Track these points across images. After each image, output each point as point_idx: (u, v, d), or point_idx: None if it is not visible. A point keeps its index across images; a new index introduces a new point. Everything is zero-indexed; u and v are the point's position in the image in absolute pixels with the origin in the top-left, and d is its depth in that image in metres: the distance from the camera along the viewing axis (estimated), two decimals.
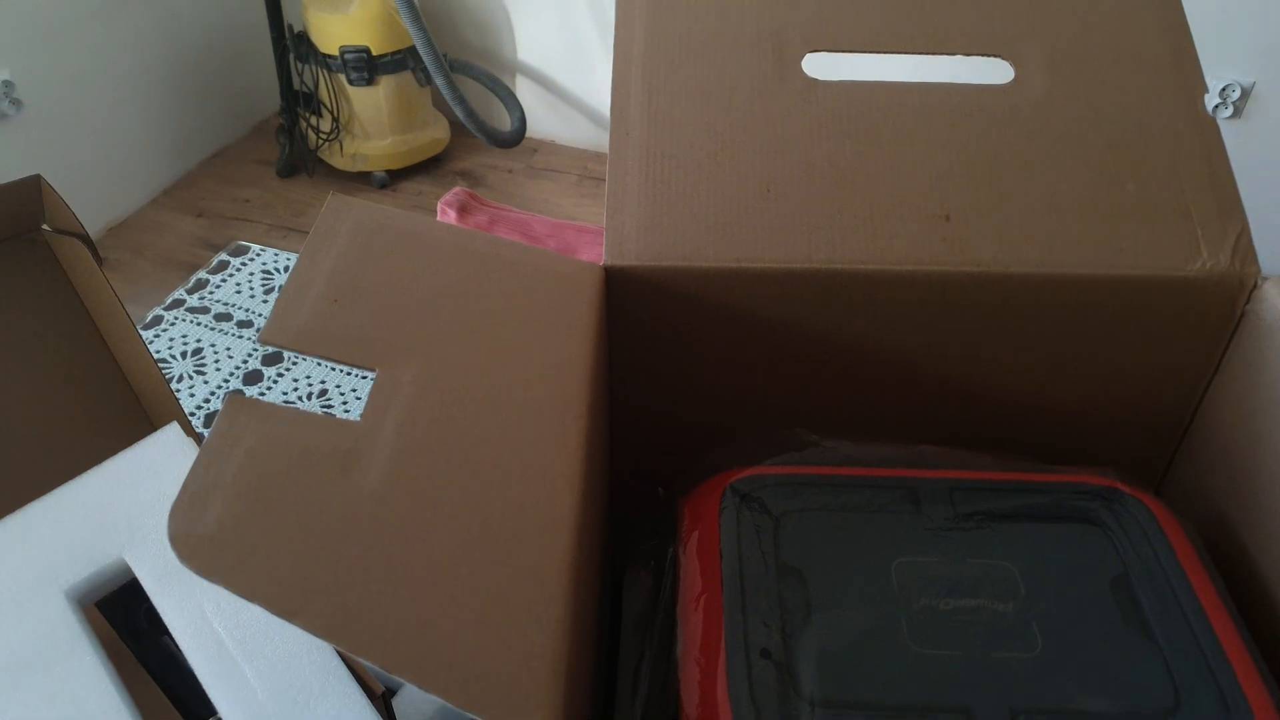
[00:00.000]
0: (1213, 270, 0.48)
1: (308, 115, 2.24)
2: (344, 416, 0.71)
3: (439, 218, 0.92)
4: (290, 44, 2.13)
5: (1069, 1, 0.56)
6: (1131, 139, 0.51)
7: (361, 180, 2.31)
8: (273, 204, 2.27)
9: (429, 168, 2.36)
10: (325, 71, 2.14)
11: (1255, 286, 0.48)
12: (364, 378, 0.35)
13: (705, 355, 0.52)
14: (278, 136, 2.33)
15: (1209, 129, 0.52)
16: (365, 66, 2.11)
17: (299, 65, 2.15)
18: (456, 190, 0.93)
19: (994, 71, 0.54)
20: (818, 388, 0.53)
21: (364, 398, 0.35)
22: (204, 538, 0.28)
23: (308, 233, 0.46)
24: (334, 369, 0.83)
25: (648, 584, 0.48)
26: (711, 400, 0.54)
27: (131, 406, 0.55)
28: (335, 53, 2.10)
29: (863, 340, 0.50)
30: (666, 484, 0.51)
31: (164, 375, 0.54)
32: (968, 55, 0.54)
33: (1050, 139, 0.51)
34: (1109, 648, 0.42)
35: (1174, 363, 0.51)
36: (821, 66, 0.54)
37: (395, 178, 2.33)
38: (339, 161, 2.28)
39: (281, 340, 0.37)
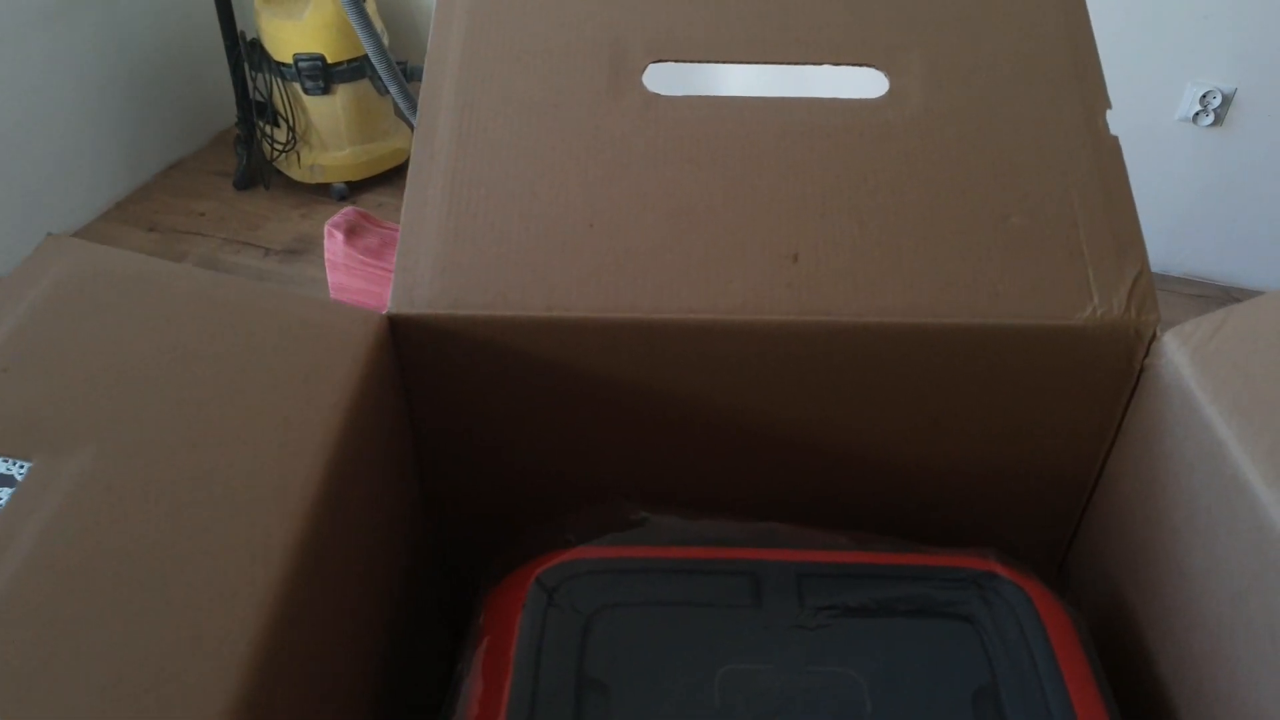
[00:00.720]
0: (1104, 319, 0.41)
1: (264, 126, 2.17)
2: None
3: (326, 241, 0.85)
4: (244, 52, 2.07)
5: (957, 5, 0.49)
6: (1020, 162, 0.44)
7: (320, 192, 2.25)
8: (227, 217, 2.21)
9: (391, 179, 2.29)
10: (279, 80, 2.08)
11: (1154, 338, 0.41)
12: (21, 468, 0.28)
13: (516, 420, 0.44)
14: (235, 148, 2.27)
15: (1110, 151, 0.45)
16: (320, 75, 2.04)
17: (253, 74, 2.09)
18: (346, 210, 0.86)
19: (867, 84, 0.47)
20: (649, 455, 0.45)
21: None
22: None
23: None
24: None
25: None
26: (528, 473, 0.46)
27: None
28: (289, 60, 2.03)
29: (698, 400, 0.43)
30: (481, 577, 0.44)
31: None
32: (837, 65, 0.47)
33: (925, 163, 0.44)
34: None
35: (1069, 426, 0.44)
36: (666, 79, 0.47)
37: (355, 189, 2.26)
38: (296, 173, 2.21)
39: None
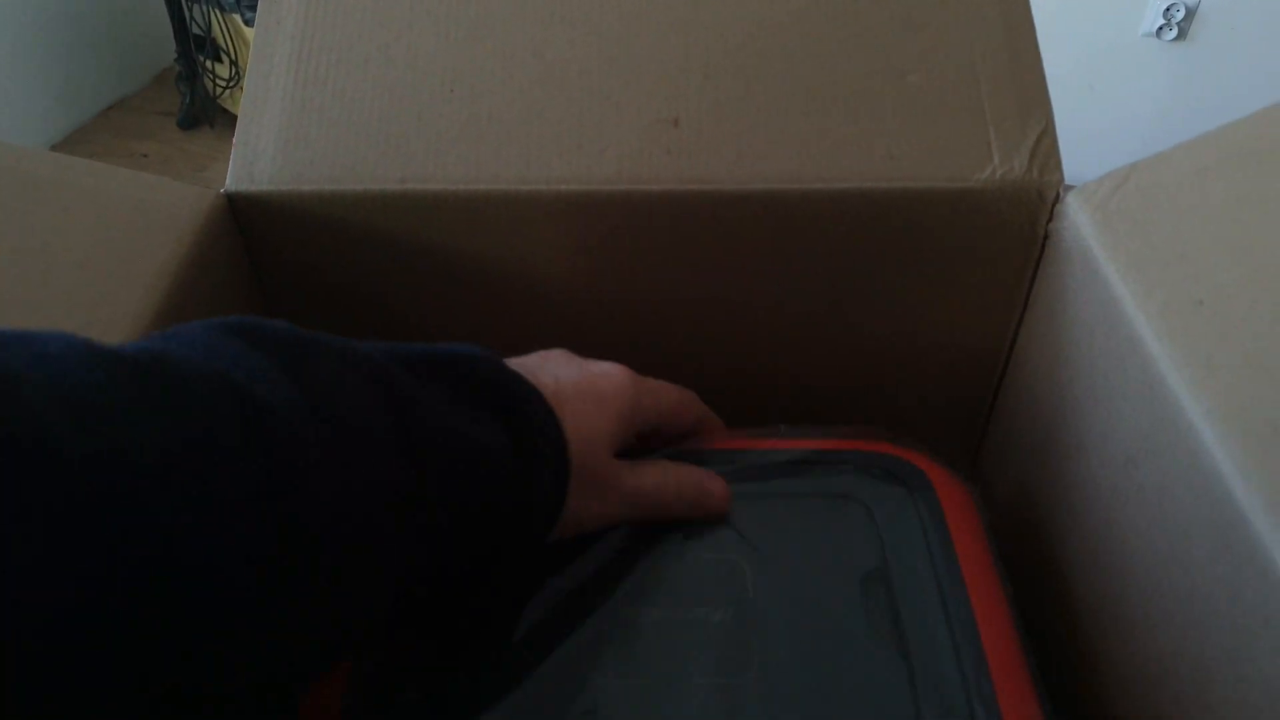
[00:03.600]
0: (1005, 179, 0.37)
1: (205, 61, 2.10)
2: None
3: None
4: None
5: None
6: (920, 18, 0.41)
7: None
8: (172, 158, 2.14)
9: None
10: (218, 11, 2.00)
11: (1057, 200, 0.38)
12: None
13: (375, 302, 0.41)
14: (178, 85, 2.19)
15: (1018, 3, 0.41)
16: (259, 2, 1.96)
17: (189, 5, 2.01)
18: None
19: None
20: (521, 339, 0.42)
21: None
22: None
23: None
24: None
25: None
26: None
27: None
28: None
29: (574, 278, 0.40)
30: None
31: None
32: None
33: (818, 18, 0.41)
34: (843, 666, 0.32)
35: (976, 298, 0.41)
36: None
37: None
38: None
39: None
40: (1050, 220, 0.38)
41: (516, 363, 0.32)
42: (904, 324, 0.42)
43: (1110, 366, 0.33)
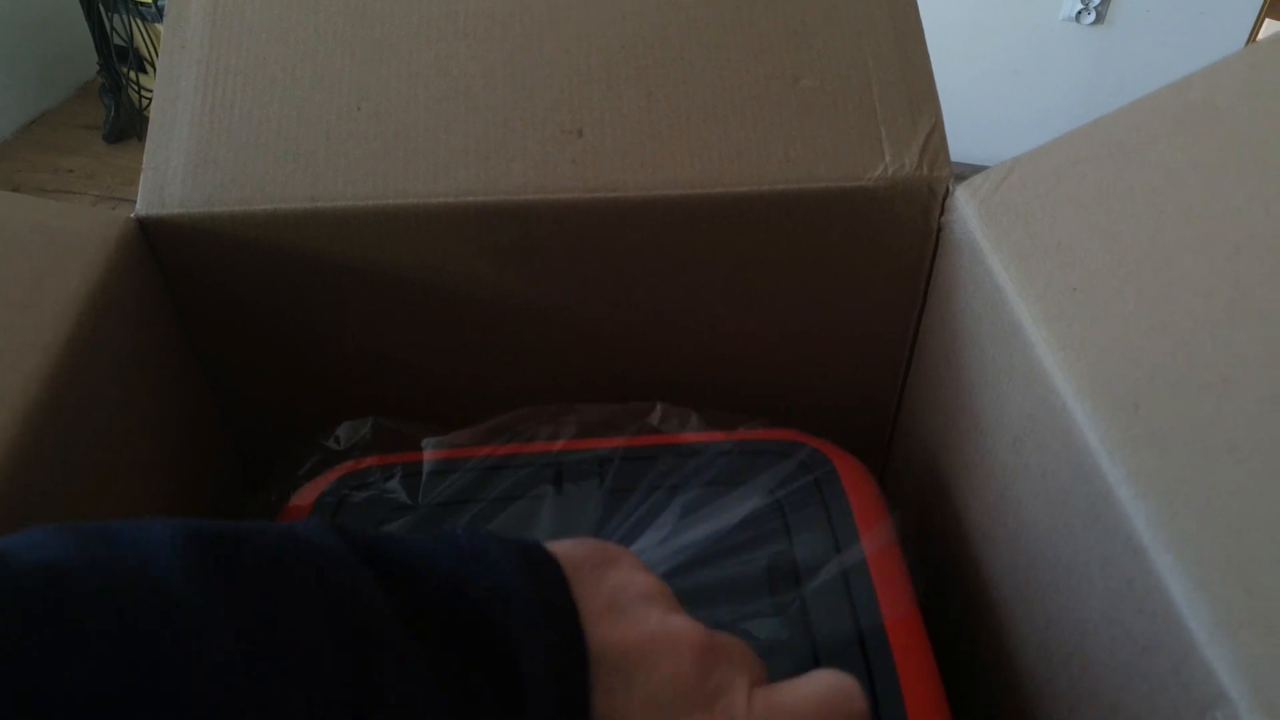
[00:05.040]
0: (896, 177, 0.39)
1: (129, 72, 2.06)
2: None
3: None
4: None
5: None
6: (813, 22, 0.42)
7: None
8: (99, 173, 2.10)
9: None
10: (139, 20, 1.97)
11: (948, 194, 0.39)
12: None
13: (292, 320, 0.42)
14: (102, 98, 2.15)
15: (904, 3, 0.43)
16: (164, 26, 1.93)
17: (109, 15, 1.97)
18: None
19: None
20: (438, 348, 0.43)
21: None
22: None
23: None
24: None
25: None
26: (315, 372, 0.44)
27: None
28: None
29: (486, 288, 0.41)
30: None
31: None
32: None
33: (715, 26, 0.42)
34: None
35: (880, 291, 0.43)
36: None
37: None
38: None
39: None
40: (942, 214, 0.40)
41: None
42: (811, 319, 0.44)
43: (997, 352, 0.35)
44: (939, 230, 0.40)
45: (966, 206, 0.38)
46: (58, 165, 2.12)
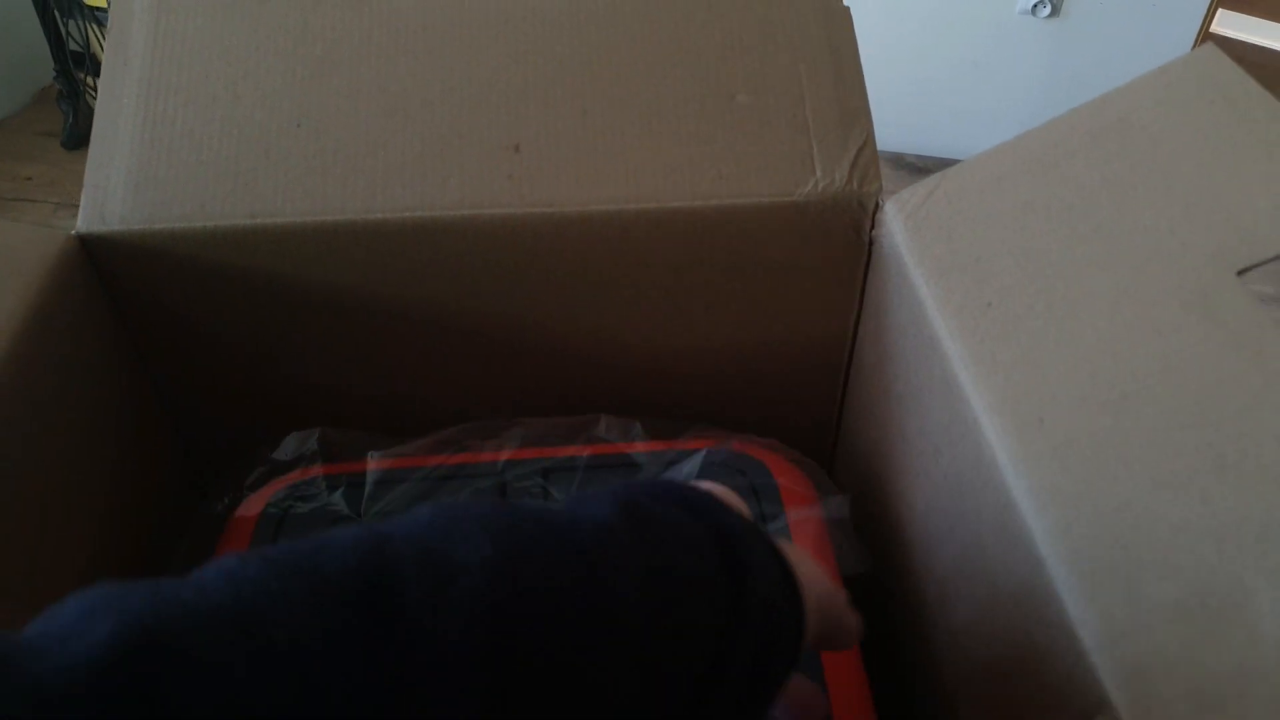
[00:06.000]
0: (826, 192, 0.40)
1: (86, 77, 2.04)
2: None
3: None
4: None
5: None
6: (749, 39, 0.43)
7: None
8: (59, 180, 2.07)
9: None
10: (95, 26, 1.95)
11: (877, 208, 0.40)
12: None
13: (237, 336, 0.42)
14: (59, 104, 2.13)
15: (839, 20, 0.44)
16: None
17: (64, 21, 1.95)
18: None
19: None
20: (383, 363, 0.44)
21: None
22: None
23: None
24: None
25: None
26: (262, 386, 0.44)
27: None
28: (103, 3, 1.90)
29: (426, 303, 0.42)
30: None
31: None
32: None
33: (652, 44, 0.43)
34: None
35: (817, 304, 0.44)
36: None
37: None
38: None
39: None
40: (873, 228, 0.41)
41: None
42: (752, 331, 0.45)
43: (919, 364, 0.36)
44: (871, 243, 0.41)
45: (894, 221, 0.39)
46: (16, 173, 2.10)
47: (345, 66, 0.41)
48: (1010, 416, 0.30)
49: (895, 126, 2.01)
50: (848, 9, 0.44)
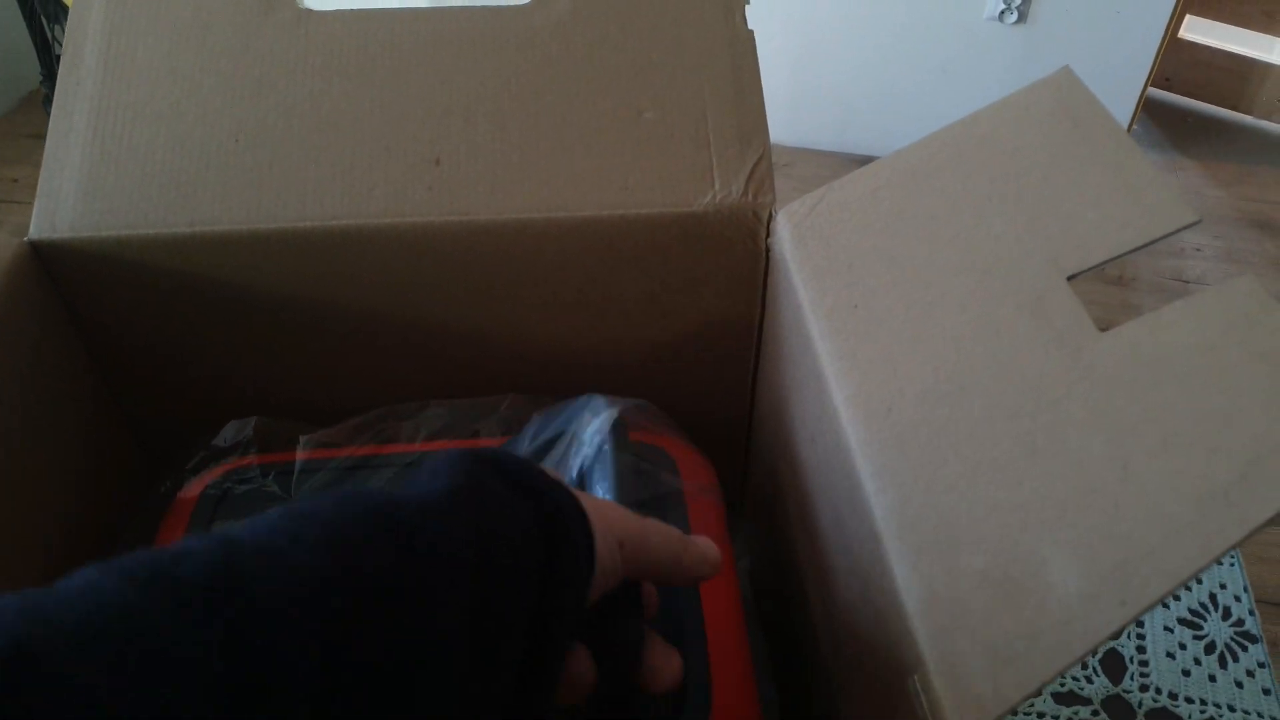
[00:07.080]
0: (723, 203, 0.43)
1: None
2: None
3: None
4: (37, 2, 1.96)
5: None
6: (658, 60, 0.47)
7: None
8: None
9: None
10: None
11: (771, 219, 0.44)
12: None
13: (182, 338, 0.45)
14: (45, 107, 2.15)
15: (744, 44, 0.47)
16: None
17: (51, 25, 1.98)
18: None
19: None
20: (312, 356, 0.47)
21: None
22: None
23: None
24: None
25: None
26: (208, 385, 0.48)
27: None
28: None
29: (354, 307, 0.45)
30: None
31: None
32: None
33: (567, 65, 0.46)
34: None
35: (722, 310, 0.47)
36: None
37: None
38: None
39: None
40: (768, 236, 0.44)
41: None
42: (664, 334, 0.48)
43: (799, 361, 0.40)
44: (767, 251, 0.45)
45: (784, 230, 0.42)
46: (2, 175, 2.12)
47: (282, 85, 0.45)
48: (863, 407, 0.33)
49: (865, 131, 2.05)
50: (752, 33, 0.48)
